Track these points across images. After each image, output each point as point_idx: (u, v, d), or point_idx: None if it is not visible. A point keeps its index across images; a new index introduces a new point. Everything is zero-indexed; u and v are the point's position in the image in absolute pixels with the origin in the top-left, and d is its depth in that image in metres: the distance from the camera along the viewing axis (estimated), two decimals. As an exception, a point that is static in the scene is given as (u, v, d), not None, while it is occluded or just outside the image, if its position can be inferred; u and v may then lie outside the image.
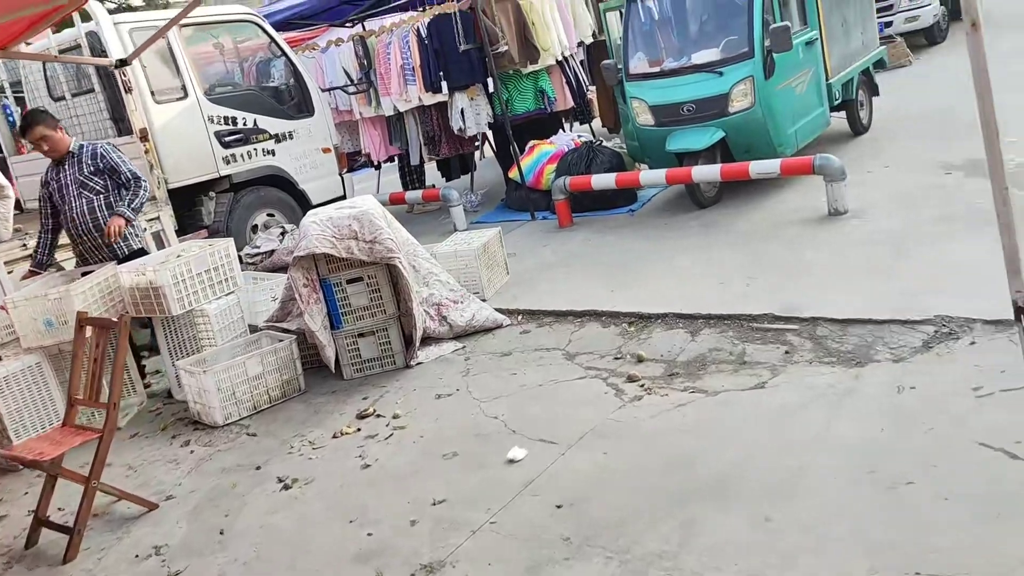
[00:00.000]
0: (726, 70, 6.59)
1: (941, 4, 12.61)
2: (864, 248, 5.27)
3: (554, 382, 4.47)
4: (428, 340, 5.35)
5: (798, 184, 6.86)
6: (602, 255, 6.43)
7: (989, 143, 2.05)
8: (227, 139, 7.11)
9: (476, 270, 5.89)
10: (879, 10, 10.37)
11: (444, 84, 7.73)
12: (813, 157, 6.00)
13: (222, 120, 7.09)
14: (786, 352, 4.20)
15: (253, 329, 5.42)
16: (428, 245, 6.39)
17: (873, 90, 8.53)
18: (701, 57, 6.82)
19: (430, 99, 7.94)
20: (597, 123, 10.43)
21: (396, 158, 9.38)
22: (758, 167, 6.27)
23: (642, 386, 4.19)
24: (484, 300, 5.78)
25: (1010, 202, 2.05)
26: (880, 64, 8.85)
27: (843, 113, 8.07)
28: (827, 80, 7.43)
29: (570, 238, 7.11)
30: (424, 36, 7.67)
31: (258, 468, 4.17)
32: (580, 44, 8.84)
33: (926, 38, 12.62)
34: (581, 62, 9.01)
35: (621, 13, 7.50)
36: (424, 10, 8.02)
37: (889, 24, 11.85)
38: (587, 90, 8.97)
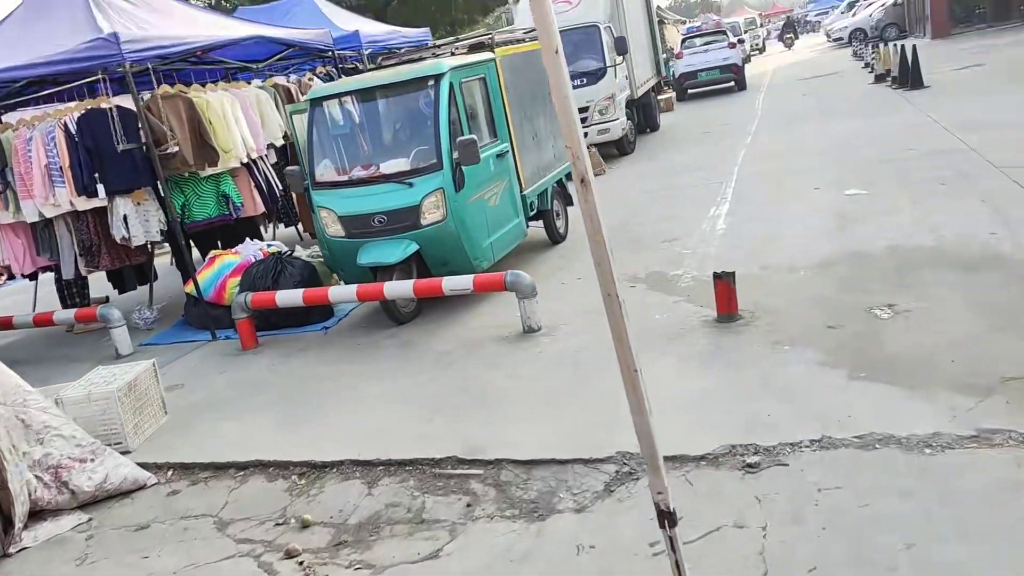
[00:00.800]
0: (416, 181, 6.27)
1: (628, 120, 13.77)
2: (553, 371, 5.05)
3: (194, 567, 3.60)
4: (43, 514, 4.22)
5: (497, 296, 6.66)
6: (284, 384, 5.68)
7: (611, 314, 1.67)
8: None
9: (118, 415, 4.83)
10: (572, 123, 10.94)
11: (100, 187, 6.62)
12: (505, 274, 5.79)
13: None
14: (468, 505, 3.74)
15: None
16: (64, 384, 5.24)
17: (568, 200, 8.79)
18: (390, 167, 6.46)
19: (84, 204, 6.75)
20: (304, 226, 9.74)
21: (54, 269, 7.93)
22: (451, 284, 5.95)
23: (301, 563, 3.50)
24: (128, 453, 4.75)
25: (641, 387, 1.68)
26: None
27: (541, 222, 8.16)
28: (522, 191, 7.44)
29: (252, 363, 6.26)
30: (74, 132, 6.55)
31: None
32: (271, 146, 8.19)
33: (617, 149, 13.65)
34: (274, 164, 8.34)
35: (308, 116, 6.99)
36: (76, 103, 6.91)
37: (584, 135, 12.64)
38: (279, 194, 8.28)
